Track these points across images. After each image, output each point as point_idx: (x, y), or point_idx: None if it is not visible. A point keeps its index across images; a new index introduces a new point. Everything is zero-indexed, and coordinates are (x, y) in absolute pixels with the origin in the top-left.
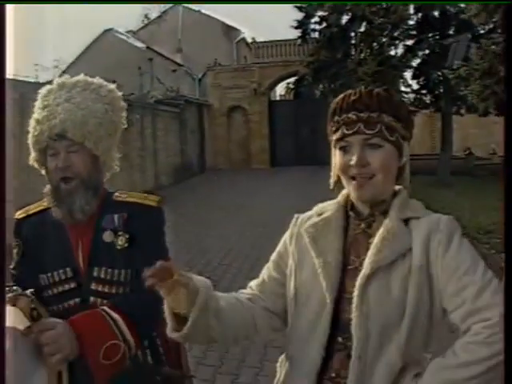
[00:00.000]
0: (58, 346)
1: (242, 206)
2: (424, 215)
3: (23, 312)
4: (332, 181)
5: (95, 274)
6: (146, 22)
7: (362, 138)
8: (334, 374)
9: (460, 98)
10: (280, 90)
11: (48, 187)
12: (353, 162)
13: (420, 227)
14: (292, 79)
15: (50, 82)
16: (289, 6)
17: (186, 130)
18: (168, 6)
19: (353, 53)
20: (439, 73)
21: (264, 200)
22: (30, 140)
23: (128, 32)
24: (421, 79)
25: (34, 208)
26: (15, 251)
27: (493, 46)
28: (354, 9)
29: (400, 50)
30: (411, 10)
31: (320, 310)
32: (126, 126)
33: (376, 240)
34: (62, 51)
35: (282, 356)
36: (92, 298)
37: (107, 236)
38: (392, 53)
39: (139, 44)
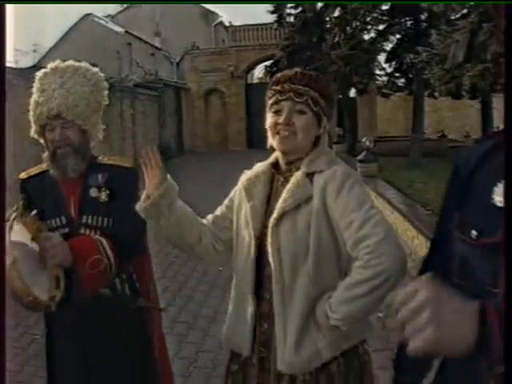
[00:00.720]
0: (56, 251)
1: (220, 186)
2: (326, 169)
3: (29, 228)
4: (269, 142)
5: (84, 221)
6: (124, 5)
7: (291, 104)
8: (268, 296)
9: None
10: (258, 72)
11: (46, 153)
12: (281, 120)
13: (320, 178)
14: (268, 62)
15: (30, 68)
16: None
17: (165, 113)
18: None
19: (327, 37)
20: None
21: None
22: (32, 118)
23: (107, 16)
24: (393, 63)
25: (34, 170)
26: (21, 205)
27: (455, 33)
28: None
29: (372, 35)
30: None
31: (249, 241)
32: (107, 103)
33: (284, 190)
34: (40, 36)
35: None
36: None
37: (93, 192)
38: (365, 37)
39: (118, 28)
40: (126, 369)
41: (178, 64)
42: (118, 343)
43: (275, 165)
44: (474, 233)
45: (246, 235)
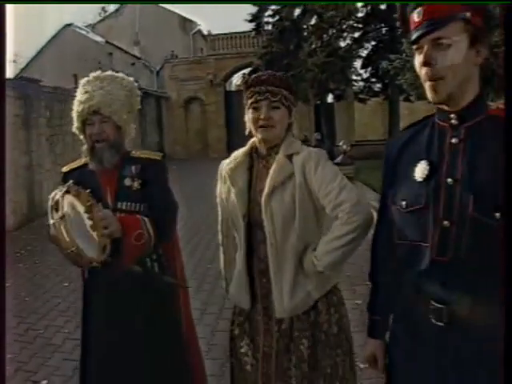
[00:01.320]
0: (107, 222)
1: (201, 193)
2: (302, 151)
3: (81, 201)
4: (247, 131)
5: (119, 206)
6: (103, 14)
7: (269, 102)
8: (262, 256)
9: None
10: (236, 79)
11: (85, 147)
12: (262, 116)
13: (298, 158)
14: (247, 70)
15: (11, 80)
16: None
17: (146, 121)
18: None
19: (304, 45)
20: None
21: None
22: (75, 114)
23: (87, 26)
24: (369, 69)
25: (75, 164)
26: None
27: None
28: (305, 3)
29: (348, 42)
30: (359, 4)
31: (241, 214)
32: (139, 107)
33: (271, 170)
34: (19, 46)
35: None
36: None
37: (127, 181)
38: (341, 44)
39: (98, 38)
40: (154, 340)
41: (157, 73)
42: (147, 317)
43: (252, 151)
44: (403, 203)
45: (238, 212)
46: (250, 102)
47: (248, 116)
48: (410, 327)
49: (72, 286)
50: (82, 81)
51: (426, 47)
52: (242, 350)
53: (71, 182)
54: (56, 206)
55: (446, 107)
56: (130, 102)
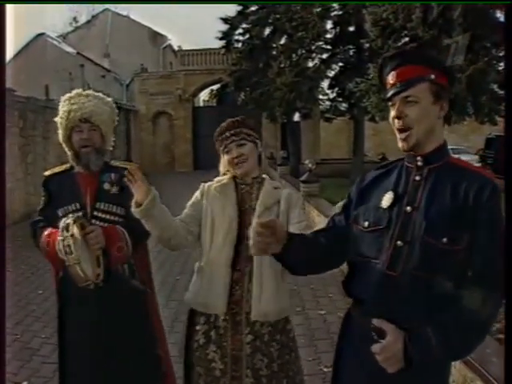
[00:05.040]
0: (98, 239)
1: (168, 206)
2: (283, 187)
3: (77, 226)
4: (222, 172)
5: (97, 205)
6: (74, 25)
7: (236, 143)
8: (239, 267)
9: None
10: (204, 95)
11: (70, 153)
12: (234, 155)
13: (284, 191)
14: (215, 86)
15: None
16: (215, 17)
17: (115, 134)
18: (98, 10)
19: (273, 64)
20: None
21: (188, 200)
22: (62, 123)
23: (59, 36)
24: (336, 89)
25: (58, 169)
26: (42, 198)
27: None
28: (275, 23)
29: (316, 62)
30: (328, 26)
31: (229, 227)
32: (116, 124)
33: (261, 195)
34: None
35: (197, 264)
36: (94, 221)
37: (106, 186)
38: (310, 64)
39: (70, 49)
40: (124, 339)
41: (127, 86)
42: (119, 320)
43: (236, 178)
44: (365, 224)
45: (226, 224)
46: (221, 149)
47: (223, 160)
48: (354, 339)
49: (46, 294)
50: (64, 97)
51: (397, 103)
52: (209, 357)
53: (80, 214)
54: (67, 227)
55: (413, 152)
56: (113, 116)
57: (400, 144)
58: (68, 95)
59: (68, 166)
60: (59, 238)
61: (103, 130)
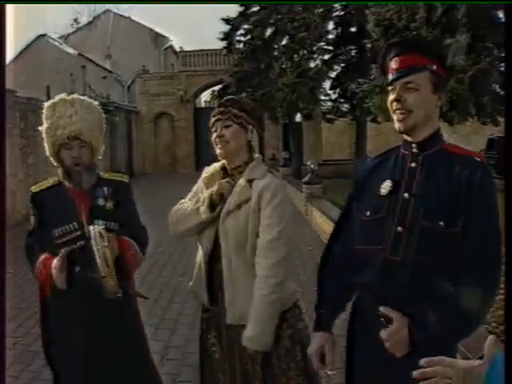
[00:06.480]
0: (115, 248)
1: (170, 208)
2: (263, 177)
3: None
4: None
5: (95, 223)
6: (75, 26)
7: (221, 122)
8: (219, 267)
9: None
10: (205, 96)
11: (60, 170)
12: (216, 134)
13: (258, 185)
14: (217, 87)
15: None
16: (217, 18)
17: (116, 135)
18: (100, 11)
19: (274, 64)
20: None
21: None
22: (50, 139)
23: (60, 38)
24: (338, 90)
25: (45, 184)
26: (32, 217)
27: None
28: (277, 23)
29: (318, 62)
30: (330, 27)
31: (210, 226)
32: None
33: (234, 189)
34: None
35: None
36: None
37: (100, 201)
38: (311, 65)
39: (71, 50)
40: (115, 339)
41: (128, 87)
42: (109, 318)
43: (224, 168)
44: (367, 213)
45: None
46: (210, 127)
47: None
48: (364, 325)
49: None
50: (47, 104)
51: (398, 88)
52: (211, 341)
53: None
54: (100, 235)
55: (409, 138)
56: (101, 124)
57: (397, 125)
58: (51, 101)
59: (56, 180)
60: (94, 247)
61: (94, 145)
